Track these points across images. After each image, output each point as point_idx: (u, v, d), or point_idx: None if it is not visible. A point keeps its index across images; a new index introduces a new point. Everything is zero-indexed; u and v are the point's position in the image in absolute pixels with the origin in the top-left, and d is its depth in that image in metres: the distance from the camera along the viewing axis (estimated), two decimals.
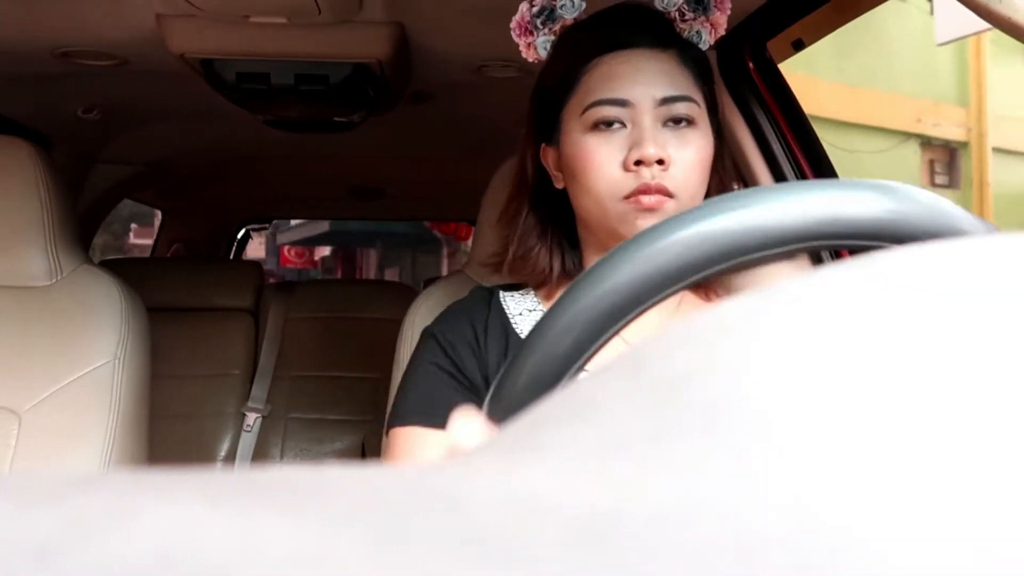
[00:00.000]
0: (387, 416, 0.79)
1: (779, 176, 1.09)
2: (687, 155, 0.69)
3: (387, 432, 0.77)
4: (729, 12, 0.79)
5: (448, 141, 1.91)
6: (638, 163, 0.67)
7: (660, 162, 0.67)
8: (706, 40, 0.78)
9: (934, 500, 0.10)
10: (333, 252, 11.27)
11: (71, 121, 1.60)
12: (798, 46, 1.10)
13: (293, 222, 9.65)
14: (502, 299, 0.80)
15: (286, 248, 11.09)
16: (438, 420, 0.69)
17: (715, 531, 0.10)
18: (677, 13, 0.76)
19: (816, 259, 0.93)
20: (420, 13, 1.07)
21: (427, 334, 0.79)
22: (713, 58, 0.95)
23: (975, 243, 0.17)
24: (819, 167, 1.09)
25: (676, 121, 0.70)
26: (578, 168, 0.71)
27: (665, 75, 0.71)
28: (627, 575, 0.09)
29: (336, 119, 1.42)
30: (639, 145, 0.68)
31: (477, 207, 1.05)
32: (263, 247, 12.18)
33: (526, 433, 0.15)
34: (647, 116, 0.69)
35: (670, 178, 0.68)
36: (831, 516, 0.10)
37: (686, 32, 0.77)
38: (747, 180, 1.12)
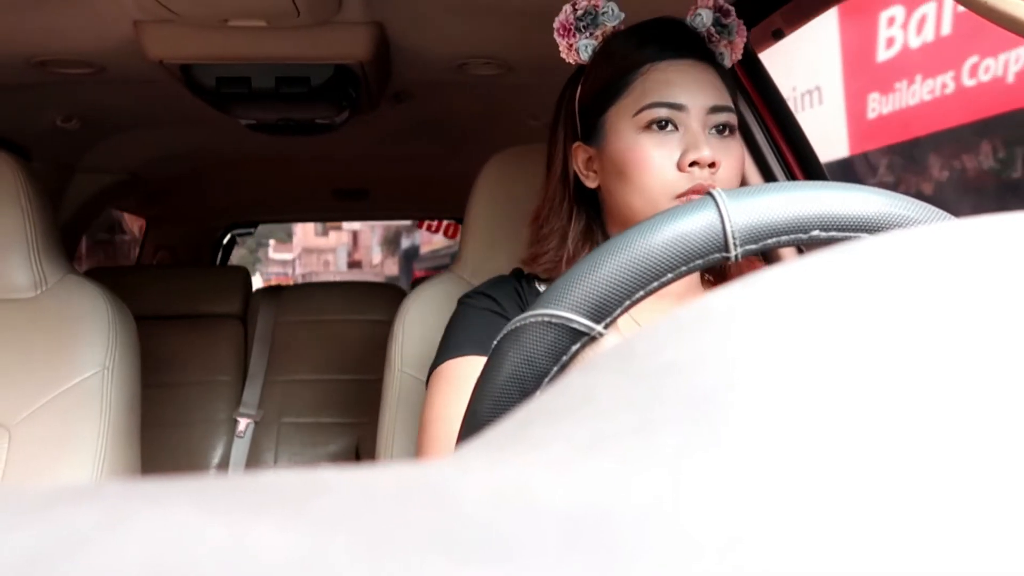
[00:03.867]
0: (431, 365, 0.80)
1: (766, 172, 1.08)
2: (731, 162, 0.75)
3: (430, 376, 0.79)
4: (746, 36, 0.83)
5: (431, 139, 1.90)
6: (692, 164, 0.73)
7: (711, 165, 0.73)
8: (727, 62, 0.83)
9: (922, 496, 0.10)
10: None
11: (49, 131, 1.58)
12: (778, 35, 1.10)
13: (423, 251, 12.94)
14: (537, 285, 0.85)
15: (417, 269, 13.49)
16: None
17: (703, 524, 0.10)
18: (706, 33, 0.81)
19: (798, 249, 0.93)
20: (399, 12, 1.07)
21: (472, 294, 0.83)
22: None
23: (950, 228, 0.17)
24: (807, 163, 1.07)
25: (720, 129, 0.76)
26: (631, 166, 0.75)
27: (713, 86, 0.76)
28: (617, 569, 0.09)
29: (318, 121, 1.42)
30: (696, 147, 0.73)
31: (462, 204, 1.04)
32: (396, 265, 15.42)
33: (517, 429, 0.15)
34: (697, 121, 0.74)
35: (718, 181, 0.73)
36: (817, 508, 0.10)
37: (715, 52, 0.82)
38: None
